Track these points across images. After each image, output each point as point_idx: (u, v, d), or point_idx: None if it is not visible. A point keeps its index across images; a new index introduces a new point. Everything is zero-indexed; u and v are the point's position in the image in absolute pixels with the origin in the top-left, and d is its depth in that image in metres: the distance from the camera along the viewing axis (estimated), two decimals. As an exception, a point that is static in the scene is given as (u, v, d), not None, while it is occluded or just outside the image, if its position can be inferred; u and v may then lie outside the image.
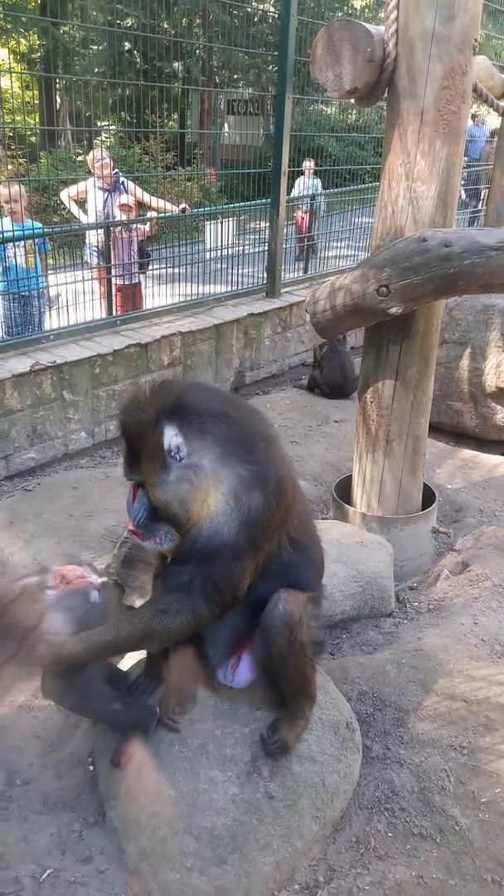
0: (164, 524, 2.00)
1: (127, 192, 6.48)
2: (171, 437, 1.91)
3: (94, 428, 5.00)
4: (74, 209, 6.57)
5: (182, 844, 2.14)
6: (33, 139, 10.83)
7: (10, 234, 5.09)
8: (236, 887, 2.12)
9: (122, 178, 6.46)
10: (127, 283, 6.22)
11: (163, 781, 2.21)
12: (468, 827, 2.30)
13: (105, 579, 2.32)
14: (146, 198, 6.60)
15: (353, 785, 2.42)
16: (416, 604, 3.51)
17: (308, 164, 9.43)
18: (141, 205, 6.72)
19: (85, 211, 6.59)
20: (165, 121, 12.49)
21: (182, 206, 6.37)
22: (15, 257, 5.15)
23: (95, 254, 6.36)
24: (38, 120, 10.95)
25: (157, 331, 5.34)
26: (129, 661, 2.69)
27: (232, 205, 6.95)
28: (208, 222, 6.56)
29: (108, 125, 10.50)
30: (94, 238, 6.33)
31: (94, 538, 3.84)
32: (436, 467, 4.73)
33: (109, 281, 5.59)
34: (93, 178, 6.41)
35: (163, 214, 6.50)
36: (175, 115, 13.83)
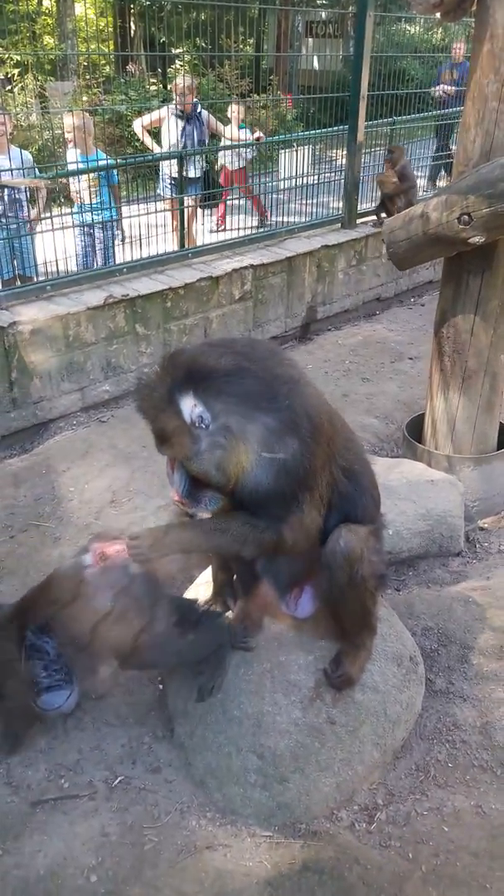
0: (207, 489, 2.00)
1: (203, 122, 6.32)
2: (191, 407, 1.87)
3: (165, 362, 5.03)
4: (148, 140, 6.44)
5: (246, 761, 2.23)
6: (108, 68, 10.67)
7: (76, 165, 5.08)
8: (297, 804, 2.20)
9: (199, 108, 6.31)
10: None
11: (229, 702, 2.29)
12: (530, 763, 2.31)
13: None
14: (220, 128, 6.44)
15: (414, 716, 2.45)
16: (486, 544, 3.46)
17: (235, 110, 7.58)
18: (214, 136, 6.56)
19: (159, 141, 6.45)
20: (241, 46, 12.04)
21: (256, 134, 6.19)
22: (80, 190, 5.13)
23: (170, 187, 6.27)
24: (112, 47, 10.76)
25: (228, 264, 5.27)
26: (195, 589, 2.77)
27: (308, 132, 6.71)
28: (283, 151, 6.36)
29: (182, 52, 10.23)
30: (168, 169, 6.22)
31: (164, 468, 3.91)
32: (513, 407, 4.58)
33: (182, 212, 5.53)
34: (167, 106, 6.29)
35: (238, 143, 6.33)
36: (251, 40, 13.31)
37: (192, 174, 6.18)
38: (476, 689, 2.53)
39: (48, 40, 12.15)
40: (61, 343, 4.44)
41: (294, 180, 6.24)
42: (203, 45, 10.11)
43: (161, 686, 2.65)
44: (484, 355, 3.43)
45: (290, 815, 2.20)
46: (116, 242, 5.51)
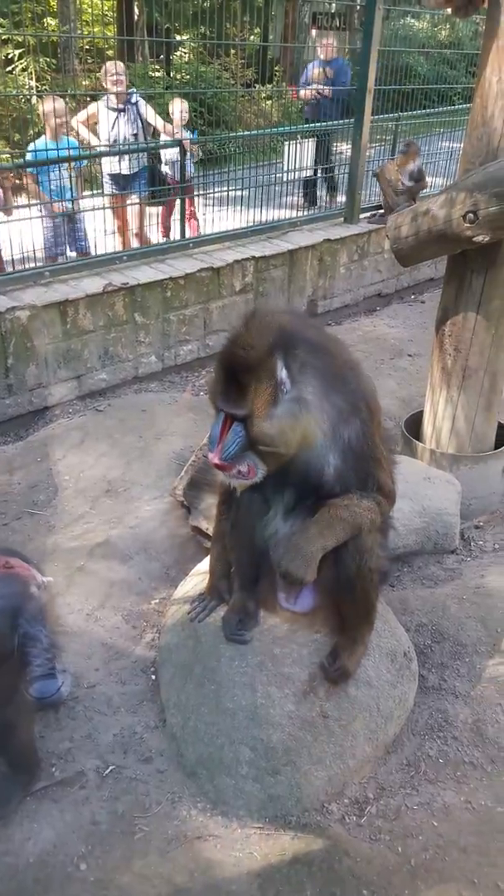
0: (252, 457, 1.98)
1: (139, 114, 5.86)
2: (280, 370, 1.91)
3: (163, 352, 5.02)
4: (84, 132, 5.94)
5: (238, 753, 2.24)
6: (110, 53, 10.57)
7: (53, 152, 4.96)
8: (288, 796, 2.21)
9: (135, 98, 5.88)
10: None
11: (222, 693, 2.30)
12: (521, 761, 2.33)
13: (50, 579, 2.26)
14: (159, 122, 6.04)
15: (407, 712, 2.46)
16: (480, 542, 3.47)
17: (179, 108, 6.23)
18: (156, 131, 6.11)
19: (97, 136, 6.00)
20: (246, 35, 11.95)
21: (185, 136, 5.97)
22: (59, 177, 4.99)
23: (109, 183, 5.93)
24: (115, 32, 10.66)
25: (229, 255, 5.25)
26: (190, 581, 2.77)
27: (312, 125, 6.66)
28: (287, 143, 6.31)
29: (186, 39, 10.14)
30: (107, 166, 5.87)
31: (161, 460, 3.90)
32: (511, 407, 4.58)
33: (183, 201, 5.49)
34: (102, 100, 5.88)
35: (169, 141, 5.94)
36: (257, 30, 13.22)
37: (124, 170, 5.81)
38: (469, 687, 2.54)
39: (50, 22, 12.03)
40: (59, 330, 4.41)
41: (296, 173, 6.21)
42: (208, 32, 10.03)
43: (154, 676, 2.65)
44: (485, 354, 3.43)
45: (281, 808, 2.21)
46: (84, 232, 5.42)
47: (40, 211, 5.04)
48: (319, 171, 6.63)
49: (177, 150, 5.54)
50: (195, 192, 6.05)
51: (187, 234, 5.64)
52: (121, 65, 5.91)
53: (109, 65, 5.85)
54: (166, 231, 6.23)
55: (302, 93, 7.87)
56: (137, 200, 5.95)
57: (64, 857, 2.07)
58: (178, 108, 6.23)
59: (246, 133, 6.25)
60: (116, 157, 5.77)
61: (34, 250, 4.80)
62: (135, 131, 5.90)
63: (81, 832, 2.13)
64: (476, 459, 3.62)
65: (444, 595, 2.91)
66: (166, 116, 6.28)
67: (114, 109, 5.81)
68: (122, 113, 5.81)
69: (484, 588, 2.93)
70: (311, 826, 2.18)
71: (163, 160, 6.11)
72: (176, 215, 5.64)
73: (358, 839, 2.15)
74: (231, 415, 1.95)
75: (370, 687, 2.35)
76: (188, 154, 5.72)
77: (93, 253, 5.14)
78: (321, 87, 7.51)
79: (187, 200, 6.22)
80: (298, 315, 2.17)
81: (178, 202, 5.57)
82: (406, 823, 2.19)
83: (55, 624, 2.23)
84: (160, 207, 6.25)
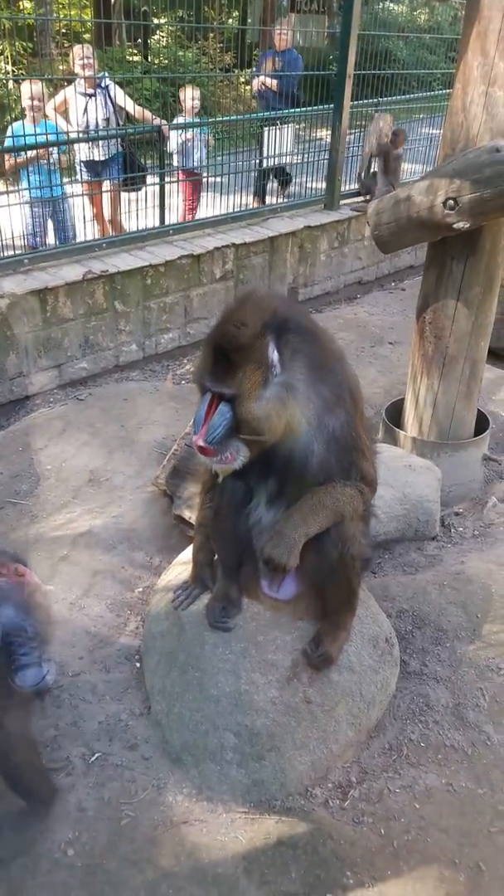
0: (236, 442, 1.98)
1: (110, 98, 5.72)
2: (272, 351, 1.90)
3: (144, 341, 4.99)
4: (62, 123, 5.79)
5: (223, 739, 2.26)
6: (87, 36, 10.42)
7: (38, 136, 4.86)
8: (272, 781, 2.24)
9: (106, 83, 5.74)
10: None
11: (206, 680, 2.31)
12: (500, 742, 2.37)
13: (51, 588, 2.24)
14: (131, 107, 5.90)
15: (389, 696, 2.49)
16: (460, 529, 3.50)
17: (190, 95, 6.13)
18: (129, 116, 5.96)
19: (69, 121, 5.86)
20: (225, 19, 11.84)
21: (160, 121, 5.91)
22: (47, 162, 4.90)
23: (85, 171, 5.82)
24: (91, 15, 10.50)
25: (209, 242, 5.22)
26: (174, 569, 2.78)
27: (291, 111, 6.61)
28: (266, 129, 6.27)
29: (164, 22, 10.02)
30: (84, 153, 5.75)
31: (143, 449, 3.90)
32: (492, 394, 4.62)
33: (162, 187, 5.43)
34: (73, 84, 5.72)
35: (148, 126, 5.79)
36: (236, 13, 13.10)
37: (98, 156, 5.69)
38: (449, 672, 2.58)
39: (26, 5, 11.83)
40: (38, 318, 4.37)
41: (275, 159, 6.18)
42: (186, 16, 9.91)
43: (138, 664, 2.66)
44: (465, 341, 3.45)
45: (266, 792, 2.24)
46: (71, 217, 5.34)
47: (19, 197, 4.98)
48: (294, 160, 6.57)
49: (187, 136, 5.48)
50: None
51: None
52: (89, 48, 5.77)
53: (77, 48, 5.72)
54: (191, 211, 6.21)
55: (253, 86, 7.62)
56: (113, 187, 5.87)
57: (51, 843, 2.08)
58: (189, 94, 6.12)
59: (226, 118, 6.19)
60: (90, 144, 5.68)
61: (13, 237, 4.74)
62: (106, 116, 5.75)
63: (68, 818, 2.14)
64: (456, 447, 3.66)
65: (425, 581, 2.95)
66: (145, 102, 6.20)
67: (84, 94, 5.68)
68: (93, 97, 5.67)
69: (464, 574, 2.96)
70: (296, 810, 2.21)
71: (175, 148, 5.96)
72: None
73: (341, 822, 2.18)
74: (218, 394, 1.94)
75: (352, 672, 2.38)
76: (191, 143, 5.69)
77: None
78: (268, 78, 7.13)
79: (193, 192, 6.20)
80: (290, 301, 2.17)
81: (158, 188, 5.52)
82: (389, 806, 2.23)
83: (40, 613, 2.22)
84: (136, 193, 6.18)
